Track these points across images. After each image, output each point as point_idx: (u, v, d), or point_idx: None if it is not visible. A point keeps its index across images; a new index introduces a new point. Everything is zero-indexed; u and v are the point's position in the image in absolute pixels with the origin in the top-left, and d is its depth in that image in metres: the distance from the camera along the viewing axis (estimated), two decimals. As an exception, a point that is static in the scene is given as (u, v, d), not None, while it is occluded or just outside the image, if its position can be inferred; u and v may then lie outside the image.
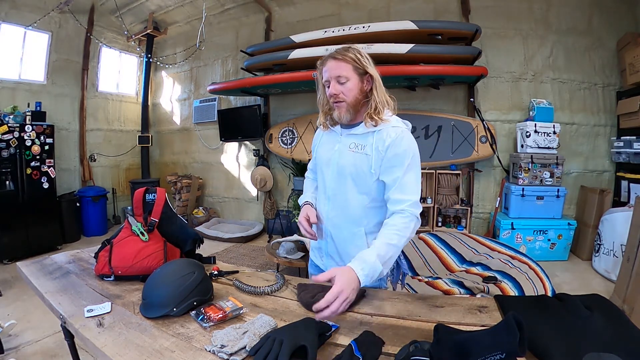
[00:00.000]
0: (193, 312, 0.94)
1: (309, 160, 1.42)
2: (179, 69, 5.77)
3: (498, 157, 3.90)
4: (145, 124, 5.67)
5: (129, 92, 5.92)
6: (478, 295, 2.17)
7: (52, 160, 4.09)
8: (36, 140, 3.90)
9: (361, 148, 1.13)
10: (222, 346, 0.77)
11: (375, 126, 1.11)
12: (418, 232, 3.15)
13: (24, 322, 2.34)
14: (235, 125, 4.92)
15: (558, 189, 3.54)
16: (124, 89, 5.82)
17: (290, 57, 3.87)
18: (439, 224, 3.99)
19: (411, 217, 1.04)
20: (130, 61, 5.87)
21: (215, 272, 1.22)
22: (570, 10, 3.78)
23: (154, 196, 1.29)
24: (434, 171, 3.85)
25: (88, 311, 0.94)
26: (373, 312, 0.97)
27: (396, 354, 0.74)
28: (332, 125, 1.24)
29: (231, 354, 0.74)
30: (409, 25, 3.49)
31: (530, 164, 3.55)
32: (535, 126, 3.55)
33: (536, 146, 3.56)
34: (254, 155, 5.07)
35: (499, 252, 2.74)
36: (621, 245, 2.85)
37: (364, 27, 3.64)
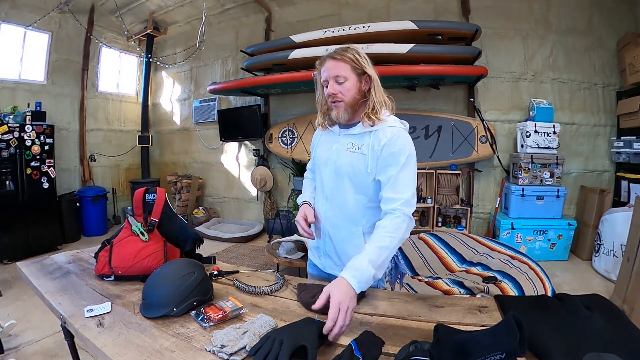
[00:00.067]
0: (193, 312, 0.94)
1: (309, 160, 1.42)
2: (179, 69, 5.77)
3: (498, 157, 3.90)
4: (145, 124, 5.67)
5: (129, 92, 5.92)
6: (478, 295, 2.17)
7: (52, 160, 4.09)
8: (36, 140, 3.90)
9: (358, 148, 1.13)
10: (222, 346, 0.77)
11: (372, 126, 1.11)
12: (418, 232, 3.15)
13: (24, 322, 2.34)
14: (235, 125, 4.92)
15: (558, 189, 3.54)
16: (124, 89, 5.82)
17: (290, 57, 3.87)
18: (439, 224, 3.99)
19: (403, 217, 1.03)
20: (130, 61, 5.87)
21: (215, 272, 1.22)
22: (570, 10, 3.78)
23: (154, 196, 1.30)
24: (434, 171, 3.85)
25: (88, 311, 0.94)
26: (373, 312, 0.97)
27: (396, 354, 0.74)
28: (330, 126, 1.24)
29: (231, 354, 0.74)
30: (409, 25, 3.49)
31: (530, 164, 3.55)
32: (535, 126, 3.55)
33: (536, 146, 3.56)
34: (254, 155, 5.07)
35: (499, 252, 2.74)
36: (621, 245, 2.85)
37: (364, 27, 3.63)
